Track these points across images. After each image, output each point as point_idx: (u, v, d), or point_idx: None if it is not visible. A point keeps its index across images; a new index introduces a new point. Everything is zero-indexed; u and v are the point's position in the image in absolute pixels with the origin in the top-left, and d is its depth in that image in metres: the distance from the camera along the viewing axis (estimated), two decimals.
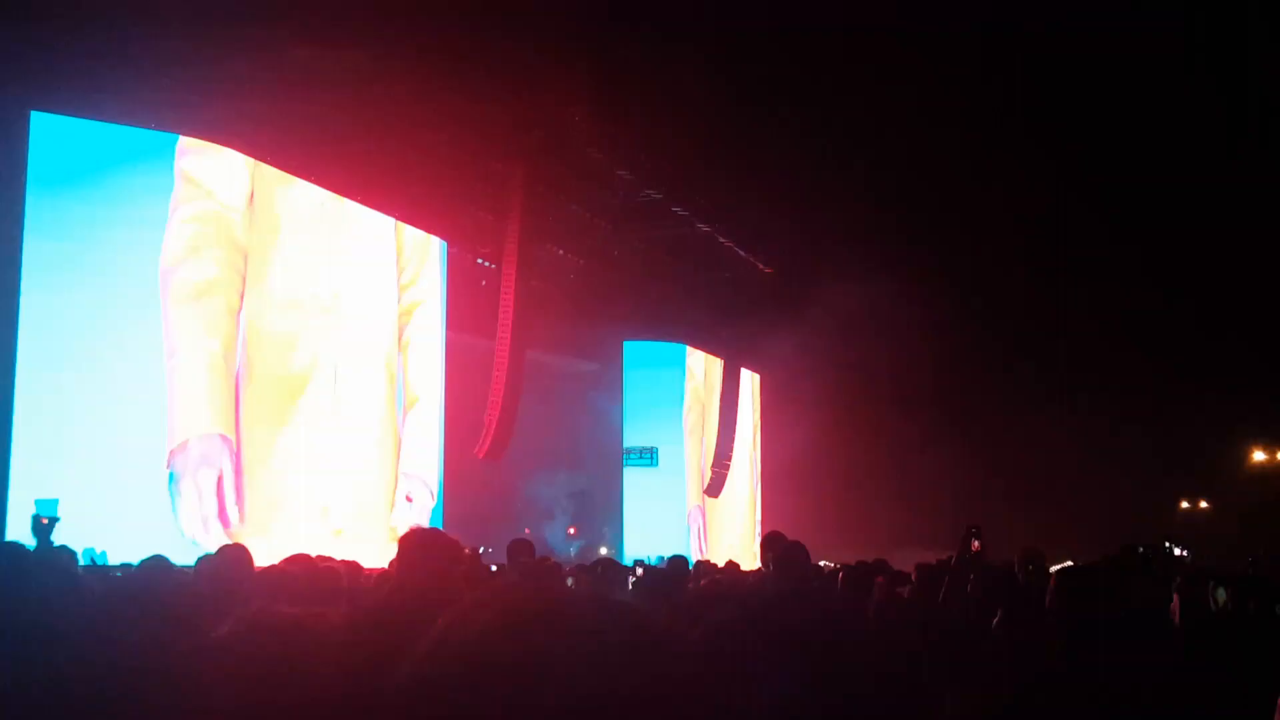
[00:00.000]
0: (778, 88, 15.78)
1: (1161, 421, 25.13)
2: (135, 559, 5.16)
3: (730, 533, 26.19)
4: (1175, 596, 5.41)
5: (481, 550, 12.12)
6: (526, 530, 17.15)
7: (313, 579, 4.19)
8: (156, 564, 4.41)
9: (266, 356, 14.07)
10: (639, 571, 8.63)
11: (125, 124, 12.87)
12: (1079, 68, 15.95)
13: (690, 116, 16.12)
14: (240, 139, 13.77)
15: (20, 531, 9.44)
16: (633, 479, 24.56)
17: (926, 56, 15.07)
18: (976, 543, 5.93)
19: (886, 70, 15.42)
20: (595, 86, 15.52)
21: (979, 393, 26.15)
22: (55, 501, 8.16)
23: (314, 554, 5.23)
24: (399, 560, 3.25)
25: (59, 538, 6.32)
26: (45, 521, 6.60)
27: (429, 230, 17.82)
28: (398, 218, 17.00)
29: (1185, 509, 31.63)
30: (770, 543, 5.51)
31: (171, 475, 12.63)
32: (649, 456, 24.68)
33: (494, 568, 7.82)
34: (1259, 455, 28.50)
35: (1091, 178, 18.91)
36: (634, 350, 25.14)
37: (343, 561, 7.13)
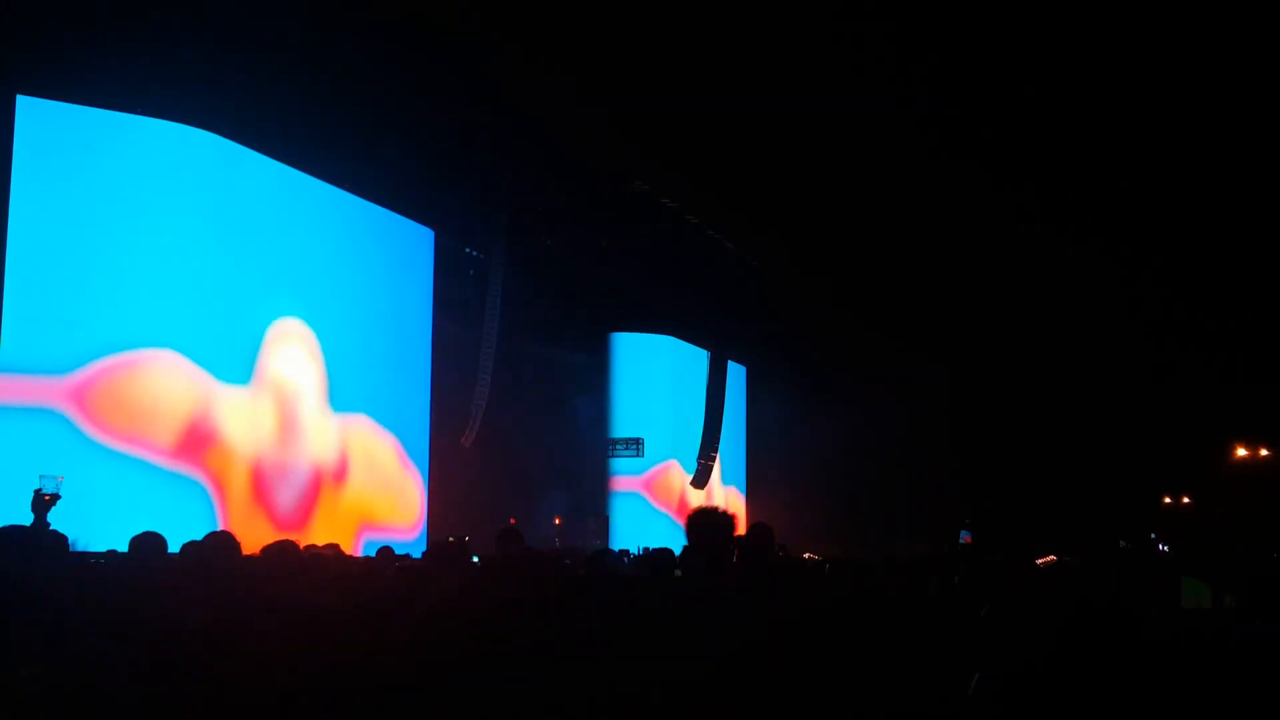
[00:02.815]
0: (773, 87, 15.74)
1: (1145, 417, 25.23)
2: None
3: None
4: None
5: (466, 539, 12.12)
6: (513, 520, 17.14)
7: (303, 564, 4.18)
8: (148, 542, 4.39)
9: None
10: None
11: (111, 109, 12.78)
12: None
13: (679, 110, 16.10)
14: (229, 128, 13.68)
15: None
16: (619, 470, 24.62)
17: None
18: (967, 537, 5.95)
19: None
20: (585, 80, 15.48)
21: (963, 390, 26.23)
22: (59, 480, 8.08)
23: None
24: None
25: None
26: (47, 498, 6.53)
27: (418, 220, 17.77)
28: (388, 207, 16.94)
29: (1168, 504, 31.82)
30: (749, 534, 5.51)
31: None
32: (635, 448, 24.72)
33: (476, 558, 7.79)
34: (1241, 451, 28.64)
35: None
36: (621, 342, 25.17)
37: (328, 546, 7.12)
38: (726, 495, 27.74)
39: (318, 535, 14.44)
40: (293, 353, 14.89)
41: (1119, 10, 14.19)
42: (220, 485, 13.37)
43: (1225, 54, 14.98)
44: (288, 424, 14.72)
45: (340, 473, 15.76)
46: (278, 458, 14.50)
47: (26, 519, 9.12)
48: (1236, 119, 16.37)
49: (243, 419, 13.84)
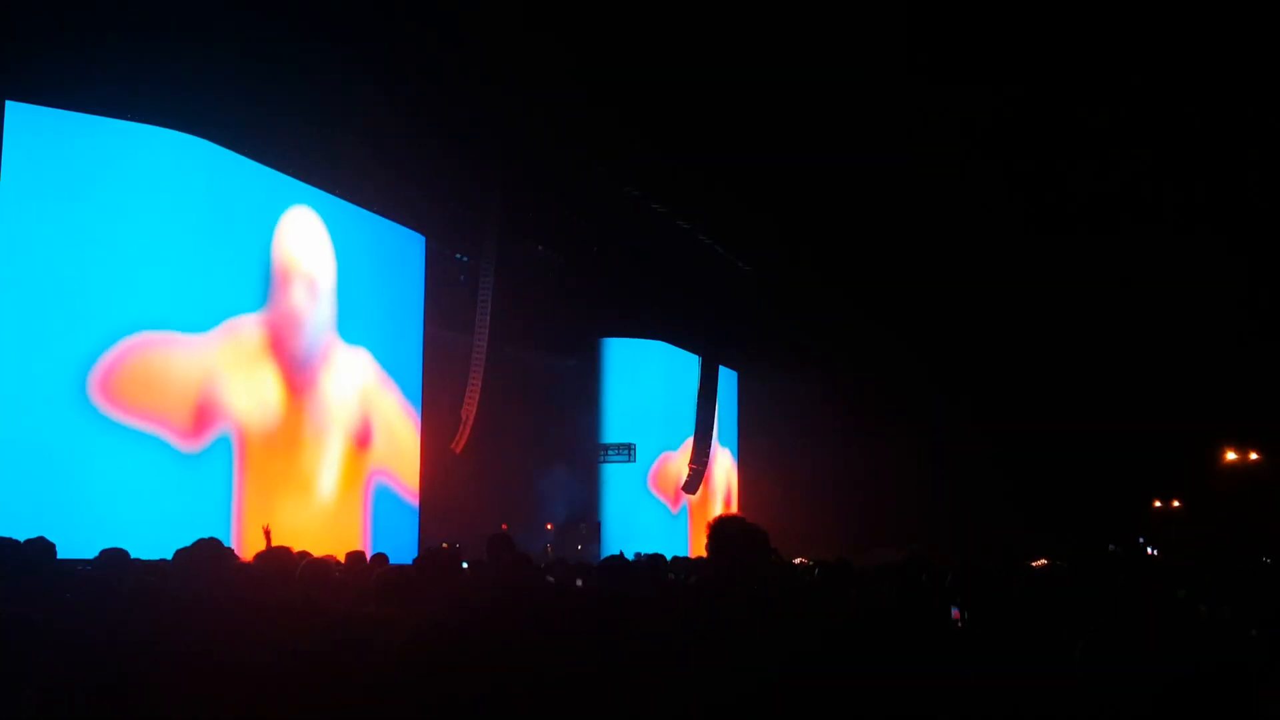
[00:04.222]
0: (763, 90, 15.75)
1: (1134, 421, 25.30)
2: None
3: None
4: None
5: (458, 545, 12.10)
6: (504, 525, 17.14)
7: (289, 577, 4.18)
8: (113, 557, 4.40)
9: None
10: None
11: (101, 115, 12.73)
12: None
13: (669, 114, 16.12)
14: (219, 134, 13.65)
15: None
16: (610, 476, 24.63)
17: None
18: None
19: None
20: (575, 84, 15.50)
21: (953, 394, 26.28)
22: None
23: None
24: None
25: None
26: None
27: (409, 225, 17.76)
28: (379, 213, 16.92)
29: (1158, 508, 31.91)
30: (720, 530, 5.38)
31: None
32: (626, 453, 24.74)
33: (465, 564, 7.74)
34: (1231, 454, 28.74)
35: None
36: (612, 347, 25.20)
37: (348, 555, 7.11)
38: (725, 488, 27.80)
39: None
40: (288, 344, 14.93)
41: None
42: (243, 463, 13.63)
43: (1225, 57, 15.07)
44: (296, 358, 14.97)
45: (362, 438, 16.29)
46: (290, 421, 14.81)
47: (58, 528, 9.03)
48: (1233, 120, 16.44)
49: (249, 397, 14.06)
